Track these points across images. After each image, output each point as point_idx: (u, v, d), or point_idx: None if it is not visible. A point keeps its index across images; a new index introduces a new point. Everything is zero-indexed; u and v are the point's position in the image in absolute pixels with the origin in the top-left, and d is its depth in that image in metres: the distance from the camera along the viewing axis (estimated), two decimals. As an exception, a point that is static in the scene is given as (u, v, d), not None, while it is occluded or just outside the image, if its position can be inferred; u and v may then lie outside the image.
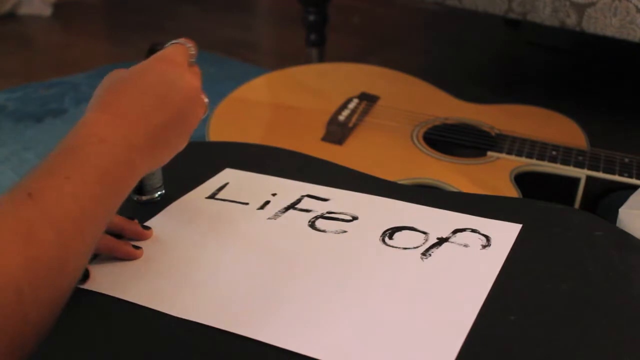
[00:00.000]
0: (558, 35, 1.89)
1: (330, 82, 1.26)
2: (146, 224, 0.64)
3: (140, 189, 0.67)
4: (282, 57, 1.94)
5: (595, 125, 1.16)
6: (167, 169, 0.74)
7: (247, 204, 0.68)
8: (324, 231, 0.63)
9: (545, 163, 0.97)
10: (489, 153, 1.00)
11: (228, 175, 0.73)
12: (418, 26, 2.27)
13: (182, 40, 0.59)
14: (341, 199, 0.69)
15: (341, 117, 1.10)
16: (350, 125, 1.08)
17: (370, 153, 1.02)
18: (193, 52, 0.59)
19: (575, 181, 0.96)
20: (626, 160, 0.97)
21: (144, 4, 2.41)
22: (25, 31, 2.16)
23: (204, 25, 2.20)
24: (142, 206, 0.67)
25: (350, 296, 0.54)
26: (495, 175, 0.95)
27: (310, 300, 0.54)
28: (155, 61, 0.55)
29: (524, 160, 0.98)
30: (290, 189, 0.70)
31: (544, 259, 0.59)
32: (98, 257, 0.59)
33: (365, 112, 1.12)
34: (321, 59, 1.62)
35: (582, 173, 0.96)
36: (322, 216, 0.66)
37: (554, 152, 0.99)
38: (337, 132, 1.06)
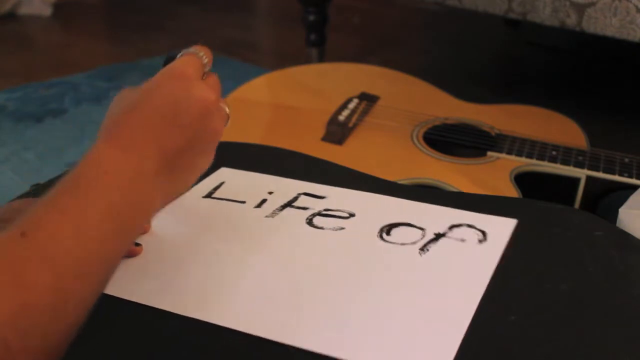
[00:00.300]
0: (558, 35, 1.89)
1: (330, 82, 1.26)
2: None
3: None
4: (282, 57, 1.94)
5: (595, 125, 1.16)
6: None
7: (244, 202, 0.68)
8: (321, 228, 0.64)
9: (545, 163, 0.97)
10: (489, 153, 1.00)
11: (224, 174, 0.74)
12: (418, 26, 2.27)
13: (193, 49, 0.52)
14: (337, 197, 0.69)
15: (341, 117, 1.10)
16: (350, 125, 1.08)
17: (370, 153, 1.02)
18: (206, 60, 0.52)
19: (575, 181, 0.96)
20: (626, 160, 0.97)
21: (144, 4, 2.41)
22: (25, 31, 2.16)
23: (204, 25, 2.20)
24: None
25: (350, 292, 0.55)
26: (495, 175, 0.95)
27: (311, 296, 0.54)
28: (162, 78, 0.49)
29: (524, 160, 0.98)
30: (287, 187, 0.71)
31: (544, 259, 0.59)
32: None
33: (365, 112, 1.12)
34: (321, 59, 1.62)
35: (582, 173, 0.96)
36: (319, 214, 0.66)
37: (554, 152, 0.99)
38: (337, 132, 1.06)
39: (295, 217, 0.65)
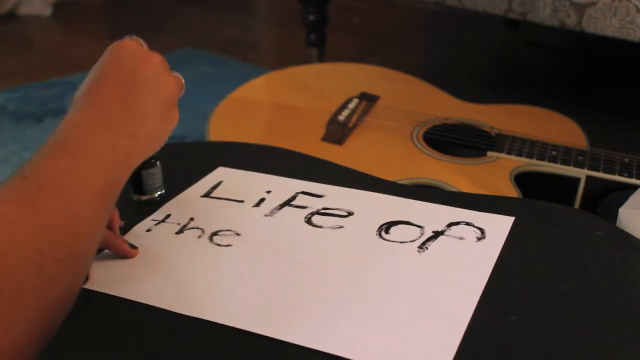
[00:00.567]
0: (558, 35, 1.89)
1: (330, 82, 1.26)
2: (143, 222, 0.64)
3: (140, 188, 0.67)
4: (282, 57, 1.95)
5: (595, 125, 1.16)
6: (166, 169, 0.74)
7: (242, 201, 0.68)
8: (320, 227, 0.64)
9: (545, 163, 0.97)
10: (489, 153, 1.00)
11: (221, 173, 0.74)
12: (418, 26, 2.27)
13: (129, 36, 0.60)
14: (335, 195, 0.69)
15: (341, 117, 1.10)
16: (350, 125, 1.08)
17: (370, 153, 1.02)
18: (143, 42, 0.60)
19: (575, 181, 0.96)
20: (626, 160, 0.97)
21: (144, 4, 2.41)
22: (25, 31, 2.16)
23: (204, 25, 2.20)
24: (140, 206, 0.67)
25: (350, 290, 0.55)
26: (495, 175, 0.95)
27: (310, 294, 0.54)
28: (112, 50, 0.57)
29: (524, 160, 0.98)
30: (285, 186, 0.71)
31: (544, 259, 0.59)
32: (96, 256, 0.59)
33: (365, 112, 1.12)
34: (321, 59, 1.62)
35: (582, 173, 0.96)
36: (317, 212, 0.66)
37: (554, 152, 0.99)
38: (337, 132, 1.06)
39: (294, 216, 0.66)
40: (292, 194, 0.69)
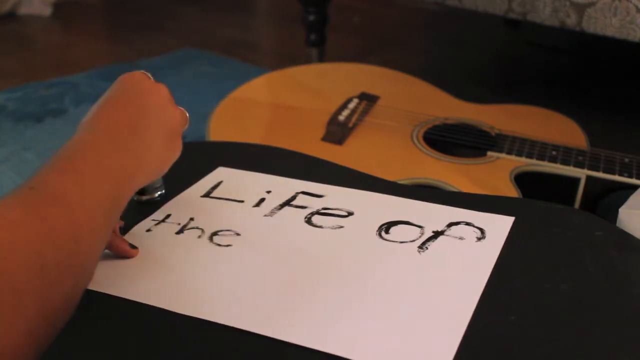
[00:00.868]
0: (558, 35, 1.89)
1: (330, 82, 1.26)
2: (143, 222, 0.64)
3: (141, 188, 0.67)
4: (282, 57, 1.95)
5: (595, 125, 1.16)
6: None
7: (242, 201, 0.68)
8: (320, 227, 0.64)
9: (545, 163, 0.97)
10: (489, 153, 1.00)
11: (221, 173, 0.74)
12: (418, 26, 2.27)
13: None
14: (335, 195, 0.69)
15: (341, 117, 1.10)
16: (350, 125, 1.08)
17: (370, 153, 1.02)
18: (150, 74, 0.63)
19: (575, 181, 0.96)
20: (626, 160, 0.97)
21: (144, 4, 2.41)
22: (25, 31, 2.16)
23: (204, 25, 2.20)
24: (141, 206, 0.67)
25: (350, 290, 0.55)
26: (495, 175, 0.95)
27: (311, 294, 0.54)
28: (122, 81, 0.59)
29: (524, 160, 0.98)
30: (284, 186, 0.71)
31: (544, 259, 0.59)
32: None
33: (365, 112, 1.12)
34: (321, 59, 1.62)
35: (582, 173, 0.96)
36: (317, 212, 0.66)
37: (554, 152, 0.99)
38: (337, 132, 1.06)
39: (294, 216, 0.66)
40: (292, 194, 0.69)
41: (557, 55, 1.91)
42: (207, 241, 0.62)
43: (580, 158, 0.98)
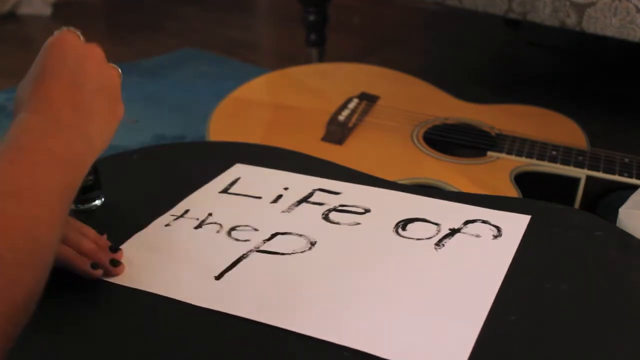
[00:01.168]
0: (558, 35, 1.89)
1: (330, 82, 1.26)
2: (162, 217, 0.65)
3: (79, 197, 0.66)
4: (282, 57, 1.94)
5: (595, 125, 1.16)
6: (166, 169, 0.74)
7: (260, 198, 0.69)
8: (338, 223, 0.64)
9: (545, 163, 0.97)
10: (489, 153, 1.00)
11: (239, 170, 0.74)
12: (418, 26, 2.27)
13: (66, 27, 0.58)
14: (352, 193, 0.70)
15: (341, 117, 1.10)
16: (350, 125, 1.08)
17: (370, 153, 1.02)
18: (80, 33, 0.58)
19: (575, 181, 0.96)
20: (626, 160, 0.97)
21: (144, 4, 2.41)
22: (25, 31, 2.16)
23: (204, 25, 2.20)
24: (149, 204, 0.68)
25: (369, 286, 0.55)
26: (495, 175, 0.95)
27: (330, 289, 0.55)
28: (50, 47, 0.56)
29: (524, 160, 0.98)
30: (302, 183, 0.72)
31: (543, 258, 0.59)
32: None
33: (365, 112, 1.12)
34: (321, 59, 1.62)
35: (582, 173, 0.96)
36: (335, 209, 0.67)
37: (554, 152, 0.99)
38: (337, 132, 1.06)
39: (311, 212, 0.66)
40: (309, 190, 0.70)
41: (557, 55, 1.91)
42: (226, 236, 0.62)
43: (580, 158, 0.98)
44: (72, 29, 0.57)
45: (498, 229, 0.63)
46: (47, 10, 2.23)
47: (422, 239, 0.62)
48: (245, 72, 1.59)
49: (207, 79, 1.71)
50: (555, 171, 0.97)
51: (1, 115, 1.49)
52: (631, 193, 0.76)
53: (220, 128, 1.07)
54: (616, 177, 0.94)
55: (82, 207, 0.67)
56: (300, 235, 0.62)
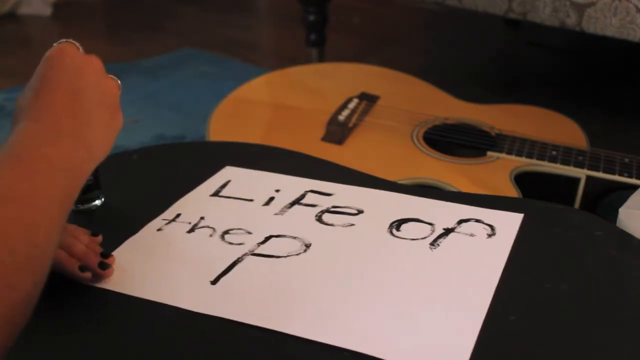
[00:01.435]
0: (558, 35, 1.89)
1: (330, 82, 1.26)
2: (154, 221, 0.65)
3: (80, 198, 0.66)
4: (282, 57, 1.94)
5: (595, 125, 1.16)
6: (166, 168, 0.74)
7: (251, 200, 0.69)
8: (331, 225, 0.64)
9: (545, 163, 0.97)
10: (489, 153, 1.00)
11: (229, 173, 0.74)
12: (418, 26, 2.27)
13: (65, 39, 0.59)
14: (344, 194, 0.70)
15: (341, 117, 1.10)
16: (350, 125, 1.08)
17: (370, 153, 1.02)
18: (79, 45, 0.59)
19: (575, 181, 0.96)
20: (626, 160, 0.97)
21: (144, 4, 2.41)
22: (25, 31, 2.16)
23: (204, 25, 2.20)
24: (149, 204, 0.68)
25: (366, 287, 0.55)
26: (495, 175, 0.95)
27: (325, 291, 0.55)
28: (50, 59, 0.57)
29: (524, 160, 0.98)
30: (293, 184, 0.71)
31: (544, 258, 0.59)
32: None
33: (365, 112, 1.12)
34: (321, 59, 1.62)
35: (582, 173, 0.96)
36: (327, 210, 0.66)
37: (554, 152, 0.99)
38: (337, 132, 1.06)
39: (304, 214, 0.66)
40: (301, 192, 0.70)
41: (557, 55, 1.91)
42: (219, 240, 0.62)
43: (580, 158, 0.98)
44: (71, 40, 0.58)
45: (492, 227, 0.63)
46: (47, 10, 2.23)
47: (416, 239, 0.61)
48: (245, 72, 1.59)
49: (207, 79, 1.71)
50: (555, 171, 0.97)
51: (1, 115, 1.49)
52: (631, 193, 0.76)
53: (220, 128, 1.07)
54: (616, 177, 0.94)
55: (82, 207, 0.67)
56: (295, 238, 0.62)
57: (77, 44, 0.58)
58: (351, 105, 1.14)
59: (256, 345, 0.50)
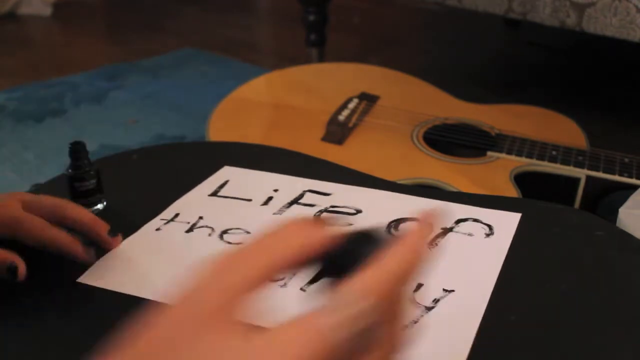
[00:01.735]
0: (558, 35, 1.89)
1: (330, 82, 1.26)
2: (152, 221, 0.65)
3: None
4: (282, 57, 1.95)
5: (595, 125, 1.16)
6: (166, 169, 0.74)
7: (250, 200, 0.69)
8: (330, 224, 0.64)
9: (545, 163, 0.97)
10: (489, 153, 1.00)
11: (227, 173, 0.74)
12: (418, 26, 2.27)
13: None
14: (343, 193, 0.70)
15: (341, 117, 1.10)
16: (350, 125, 1.08)
17: (370, 153, 1.02)
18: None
19: (575, 181, 0.96)
20: (626, 160, 0.97)
21: (144, 4, 2.41)
22: (25, 31, 2.17)
23: (204, 25, 2.20)
24: (149, 204, 0.68)
25: None
26: (495, 175, 0.95)
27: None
28: None
29: (524, 160, 0.98)
30: (291, 184, 0.71)
31: (544, 259, 0.59)
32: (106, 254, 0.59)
33: (365, 112, 1.12)
34: (321, 59, 1.62)
35: (582, 173, 0.96)
36: (326, 210, 0.67)
37: (554, 152, 0.99)
38: (337, 132, 1.06)
39: (302, 214, 0.66)
40: (300, 192, 0.70)
41: (557, 55, 1.91)
42: (218, 239, 0.62)
43: (580, 158, 0.98)
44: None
45: (490, 227, 0.63)
46: (47, 10, 2.23)
47: None
48: (245, 72, 1.59)
49: (207, 79, 1.71)
50: (555, 171, 0.97)
51: (1, 115, 1.49)
52: (631, 193, 0.76)
53: (220, 128, 1.07)
54: (616, 177, 0.94)
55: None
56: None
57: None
58: (351, 105, 1.14)
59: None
